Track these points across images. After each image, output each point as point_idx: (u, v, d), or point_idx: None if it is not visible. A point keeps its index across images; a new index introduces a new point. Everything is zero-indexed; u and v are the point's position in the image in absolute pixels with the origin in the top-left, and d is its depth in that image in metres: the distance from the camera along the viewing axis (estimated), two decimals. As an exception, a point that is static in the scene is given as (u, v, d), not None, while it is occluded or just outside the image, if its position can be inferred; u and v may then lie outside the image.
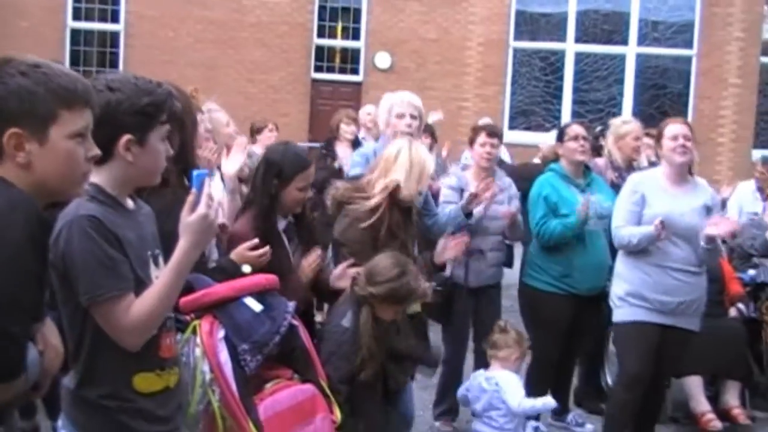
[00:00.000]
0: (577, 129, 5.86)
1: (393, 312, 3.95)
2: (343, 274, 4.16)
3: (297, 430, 3.32)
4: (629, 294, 5.16)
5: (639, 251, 5.12)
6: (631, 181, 5.33)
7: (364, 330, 3.81)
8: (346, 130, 8.31)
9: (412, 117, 5.21)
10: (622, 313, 5.22)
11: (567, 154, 5.83)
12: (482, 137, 5.77)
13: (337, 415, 3.53)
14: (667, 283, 5.11)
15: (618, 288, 5.24)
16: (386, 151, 4.56)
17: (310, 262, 4.08)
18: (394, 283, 3.87)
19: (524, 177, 6.38)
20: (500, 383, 4.57)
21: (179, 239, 2.46)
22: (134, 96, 2.46)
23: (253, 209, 4.03)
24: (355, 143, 8.40)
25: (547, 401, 4.56)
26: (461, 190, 5.68)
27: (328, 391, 3.53)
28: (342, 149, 8.26)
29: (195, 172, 2.55)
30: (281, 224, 4.08)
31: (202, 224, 2.46)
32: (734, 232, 5.47)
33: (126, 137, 2.44)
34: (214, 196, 2.55)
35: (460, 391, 5.10)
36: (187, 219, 2.46)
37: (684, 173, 5.27)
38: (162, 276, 2.48)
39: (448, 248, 4.98)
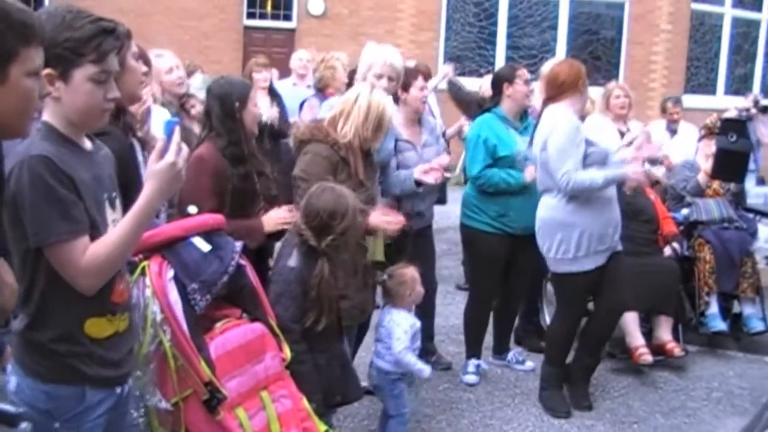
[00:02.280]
0: (527, 73, 5.87)
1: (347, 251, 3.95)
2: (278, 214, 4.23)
3: (247, 368, 3.34)
4: (585, 242, 5.20)
5: (583, 196, 5.18)
6: (571, 123, 5.21)
7: (322, 283, 3.79)
8: (258, 78, 8.13)
9: (390, 79, 5.18)
10: (577, 264, 5.27)
11: (516, 96, 5.82)
12: (420, 81, 5.63)
13: (287, 353, 3.55)
14: (613, 216, 5.31)
15: (567, 239, 5.23)
16: (347, 94, 4.62)
17: (280, 215, 4.16)
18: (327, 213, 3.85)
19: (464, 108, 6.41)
20: (392, 324, 4.59)
21: (144, 185, 2.43)
22: (55, 31, 2.37)
23: (219, 141, 4.09)
24: (271, 90, 8.24)
25: (423, 369, 4.58)
26: (395, 140, 5.62)
27: (277, 330, 3.55)
28: (259, 98, 8.08)
29: (165, 120, 2.51)
30: None
31: (170, 172, 2.42)
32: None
33: (46, 71, 2.34)
34: (184, 147, 2.50)
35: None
36: (155, 166, 2.42)
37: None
38: (123, 221, 2.44)
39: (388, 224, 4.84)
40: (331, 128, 4.47)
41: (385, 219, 4.43)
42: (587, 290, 5.45)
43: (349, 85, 8.05)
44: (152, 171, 2.42)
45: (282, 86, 8.73)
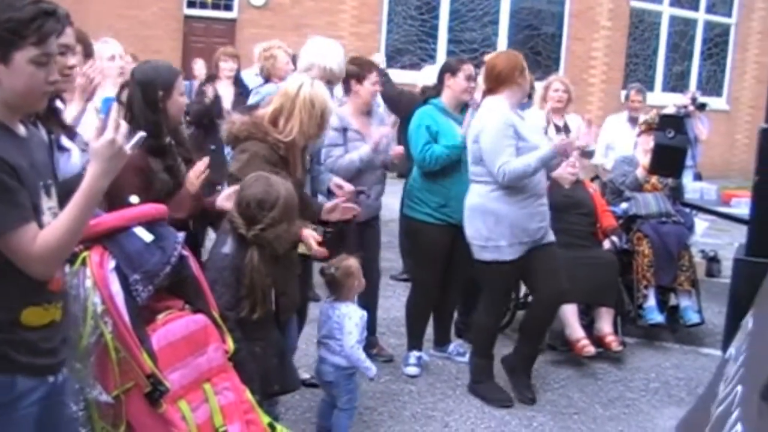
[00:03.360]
0: (471, 68, 5.88)
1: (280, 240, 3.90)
2: (231, 196, 4.09)
3: (190, 360, 3.29)
4: (508, 231, 5.25)
5: (510, 187, 5.21)
6: (500, 118, 5.26)
7: (254, 272, 3.76)
8: (225, 67, 8.20)
9: (328, 82, 5.15)
10: (498, 253, 5.31)
11: (456, 89, 5.84)
12: (374, 76, 5.74)
13: (230, 344, 3.52)
14: (540, 211, 5.34)
15: (491, 227, 5.29)
16: (287, 88, 4.47)
17: (197, 171, 4.05)
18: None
19: (404, 106, 6.41)
20: (343, 318, 4.58)
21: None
22: None
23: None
24: (237, 80, 8.27)
25: (370, 368, 4.58)
26: (344, 130, 5.63)
27: (220, 321, 3.51)
28: (223, 87, 8.15)
29: (103, 98, 2.47)
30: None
31: (110, 149, 2.39)
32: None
33: None
34: (122, 123, 2.46)
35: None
36: (95, 144, 2.39)
37: None
38: (70, 205, 2.40)
39: (337, 210, 4.82)
40: (271, 125, 4.35)
41: (313, 235, 4.34)
42: (509, 280, 5.49)
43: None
44: (93, 150, 2.40)
45: (246, 76, 8.73)
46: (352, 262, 4.67)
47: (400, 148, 5.86)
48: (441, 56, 15.60)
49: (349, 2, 15.89)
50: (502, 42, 15.96)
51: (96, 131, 2.40)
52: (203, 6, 16.18)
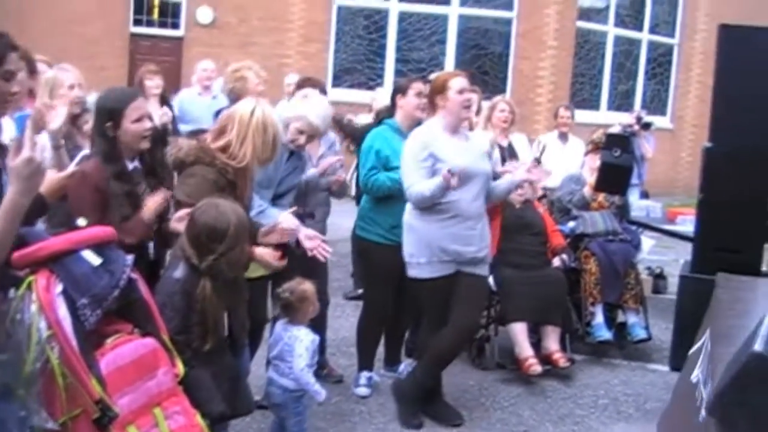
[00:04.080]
0: (420, 86, 5.88)
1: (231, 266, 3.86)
2: (183, 217, 4.02)
3: (139, 385, 3.24)
4: (426, 249, 5.23)
5: (434, 204, 5.19)
6: (416, 140, 5.29)
7: (206, 302, 3.72)
8: (151, 85, 8.01)
9: (310, 136, 5.28)
10: (419, 270, 5.30)
11: (408, 108, 5.85)
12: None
13: (180, 368, 3.47)
14: (462, 234, 5.24)
15: (413, 244, 5.30)
16: (238, 112, 4.34)
17: (155, 200, 4.02)
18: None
19: (357, 138, 6.41)
20: (294, 341, 4.56)
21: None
22: None
23: (99, 157, 3.95)
24: (163, 98, 8.12)
25: (320, 392, 4.57)
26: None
27: (169, 345, 3.47)
28: (151, 105, 7.96)
29: (16, 115, 2.43)
30: (129, 166, 4.02)
31: (28, 168, 2.36)
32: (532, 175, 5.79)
33: None
34: (40, 140, 2.43)
35: (269, 340, 5.05)
36: (11, 164, 2.35)
37: (465, 121, 5.45)
38: None
39: (277, 232, 4.78)
40: (221, 152, 4.24)
41: (270, 252, 4.30)
42: (435, 298, 5.34)
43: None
44: (11, 170, 2.37)
45: (188, 96, 8.63)
46: (308, 287, 4.65)
47: (340, 175, 5.82)
48: (389, 75, 15.69)
49: (296, 21, 15.89)
50: (450, 61, 16.06)
51: (12, 151, 2.36)
52: (150, 24, 16.08)
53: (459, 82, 5.33)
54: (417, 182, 5.16)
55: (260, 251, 4.22)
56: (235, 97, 7.09)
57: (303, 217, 5.25)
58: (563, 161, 8.69)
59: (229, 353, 4.00)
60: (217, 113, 7.24)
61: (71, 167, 2.37)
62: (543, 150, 7.27)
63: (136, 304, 3.37)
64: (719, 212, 6.66)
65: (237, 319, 4.07)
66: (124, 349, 3.23)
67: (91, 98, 4.09)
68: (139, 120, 4.03)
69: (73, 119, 5.25)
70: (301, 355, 4.50)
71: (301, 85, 5.75)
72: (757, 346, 3.11)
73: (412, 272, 5.33)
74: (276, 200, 5.22)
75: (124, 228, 3.71)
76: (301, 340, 4.54)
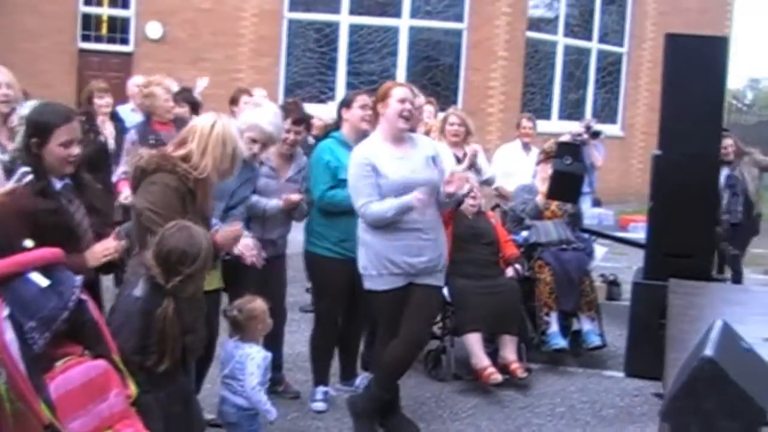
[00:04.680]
0: (365, 98, 5.90)
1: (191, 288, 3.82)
2: (119, 249, 4.00)
3: (91, 408, 3.20)
4: (377, 262, 5.19)
5: None
6: (358, 154, 5.26)
7: (167, 322, 3.67)
8: (100, 103, 7.85)
9: (263, 145, 5.37)
10: (372, 282, 5.26)
11: (353, 120, 5.87)
12: (288, 122, 5.69)
13: (132, 389, 3.43)
14: (414, 244, 5.19)
15: (365, 257, 5.26)
16: (198, 125, 4.38)
17: (105, 246, 3.91)
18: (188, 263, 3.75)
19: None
20: (245, 359, 4.52)
21: None
22: None
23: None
24: (113, 115, 8.01)
25: (271, 411, 4.53)
26: (260, 163, 5.62)
27: (121, 366, 3.42)
28: (101, 123, 7.81)
29: None
30: (57, 184, 3.86)
31: None
32: (470, 185, 5.86)
33: None
34: None
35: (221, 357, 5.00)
36: None
37: (404, 132, 5.34)
38: None
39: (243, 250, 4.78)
40: (182, 161, 4.25)
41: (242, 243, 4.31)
42: (389, 310, 5.28)
43: (194, 108, 7.96)
44: None
45: (122, 112, 8.51)
46: (257, 305, 4.61)
47: (303, 207, 5.80)
48: (340, 88, 15.68)
49: (247, 36, 15.83)
50: (401, 73, 16.10)
51: None
52: (98, 39, 15.92)
53: (401, 91, 5.29)
54: (370, 202, 5.11)
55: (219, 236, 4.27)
56: (146, 113, 7.02)
57: (264, 243, 5.26)
58: (527, 171, 8.71)
59: (182, 373, 3.96)
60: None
61: (10, 184, 2.31)
62: (475, 155, 7.28)
63: (86, 326, 3.33)
64: (669, 219, 6.75)
65: (195, 334, 4.02)
66: (74, 371, 3.19)
67: (24, 109, 3.93)
68: (67, 144, 3.82)
69: (4, 118, 5.15)
70: (253, 373, 4.46)
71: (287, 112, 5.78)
72: (708, 351, 3.13)
73: (367, 284, 5.30)
74: (228, 213, 5.24)
75: (67, 260, 3.61)
76: (253, 357, 4.50)
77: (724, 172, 9.02)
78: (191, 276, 3.72)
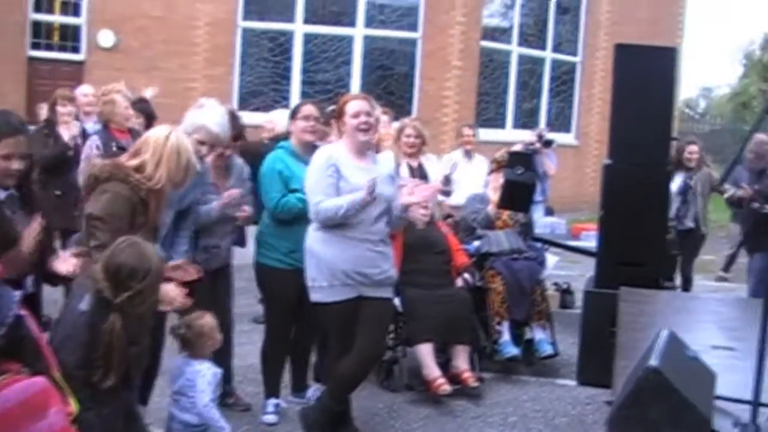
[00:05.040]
0: (308, 109, 5.86)
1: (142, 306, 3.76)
2: (68, 262, 3.98)
3: (29, 426, 3.11)
4: (328, 273, 5.16)
5: (336, 226, 5.13)
6: (321, 155, 5.26)
7: (113, 337, 3.60)
8: (63, 111, 7.84)
9: (211, 147, 5.35)
10: (321, 294, 5.22)
11: (297, 132, 5.83)
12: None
13: (73, 406, 3.35)
14: (365, 255, 5.17)
15: (315, 268, 5.21)
16: (153, 136, 4.40)
17: (32, 231, 3.85)
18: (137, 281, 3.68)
19: (253, 155, 6.36)
20: (195, 376, 4.47)
21: None
22: None
23: None
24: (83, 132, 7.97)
25: (225, 427, 4.49)
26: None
27: (62, 383, 3.35)
28: (65, 131, 7.81)
29: None
30: (1, 194, 3.82)
31: None
32: (429, 197, 5.82)
33: None
34: None
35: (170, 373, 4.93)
36: None
37: (367, 148, 5.36)
38: None
39: (181, 271, 4.71)
40: (136, 172, 4.25)
41: (176, 290, 4.24)
42: (341, 322, 5.25)
43: (149, 120, 7.93)
44: None
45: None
46: (206, 321, 4.56)
47: (245, 209, 5.74)
48: (295, 98, 15.61)
49: (201, 45, 15.72)
50: (356, 82, 16.10)
51: None
52: (49, 48, 15.72)
53: (353, 105, 5.27)
54: (325, 199, 5.09)
55: (166, 288, 4.14)
56: (104, 121, 7.01)
57: (208, 249, 5.22)
58: (469, 178, 8.79)
59: (126, 388, 3.90)
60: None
61: None
62: (454, 168, 7.32)
63: (24, 342, 3.25)
64: (620, 227, 6.80)
65: (139, 347, 3.96)
66: (11, 390, 3.10)
67: None
68: (7, 157, 3.77)
69: None
70: (204, 390, 4.41)
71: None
72: (653, 361, 3.15)
73: (315, 296, 5.25)
74: (179, 217, 5.21)
75: (4, 260, 3.56)
76: (204, 374, 4.45)
77: (680, 177, 9.10)
78: (141, 292, 3.66)
